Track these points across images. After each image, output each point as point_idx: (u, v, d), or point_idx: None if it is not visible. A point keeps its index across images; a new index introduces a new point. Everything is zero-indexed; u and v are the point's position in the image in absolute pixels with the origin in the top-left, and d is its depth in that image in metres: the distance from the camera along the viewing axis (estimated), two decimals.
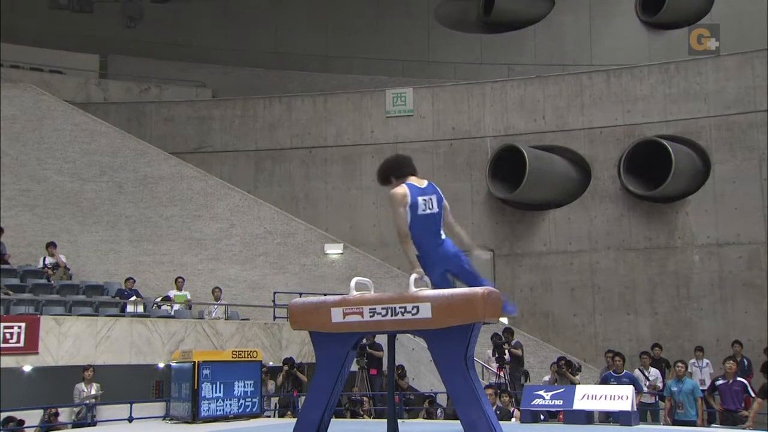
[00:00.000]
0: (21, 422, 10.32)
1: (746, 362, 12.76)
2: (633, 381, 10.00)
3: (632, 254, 17.38)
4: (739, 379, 10.31)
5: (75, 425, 10.93)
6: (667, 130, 17.28)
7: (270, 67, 22.90)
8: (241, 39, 23.29)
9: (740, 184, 16.71)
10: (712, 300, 16.70)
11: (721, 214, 16.84)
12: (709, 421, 10.52)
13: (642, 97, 17.79)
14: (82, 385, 11.33)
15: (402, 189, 5.26)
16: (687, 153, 17.03)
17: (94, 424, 10.89)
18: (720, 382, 10.36)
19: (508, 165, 17.45)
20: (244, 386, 9.55)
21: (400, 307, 5.65)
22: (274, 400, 12.56)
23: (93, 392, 11.35)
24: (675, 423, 9.90)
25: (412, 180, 5.34)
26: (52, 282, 14.06)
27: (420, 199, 5.26)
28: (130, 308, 13.71)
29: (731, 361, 10.65)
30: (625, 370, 10.54)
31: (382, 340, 12.38)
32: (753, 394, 9.93)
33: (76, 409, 11.29)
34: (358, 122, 19.36)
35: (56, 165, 17.66)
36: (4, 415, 10.19)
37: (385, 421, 6.19)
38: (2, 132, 17.20)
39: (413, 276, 5.88)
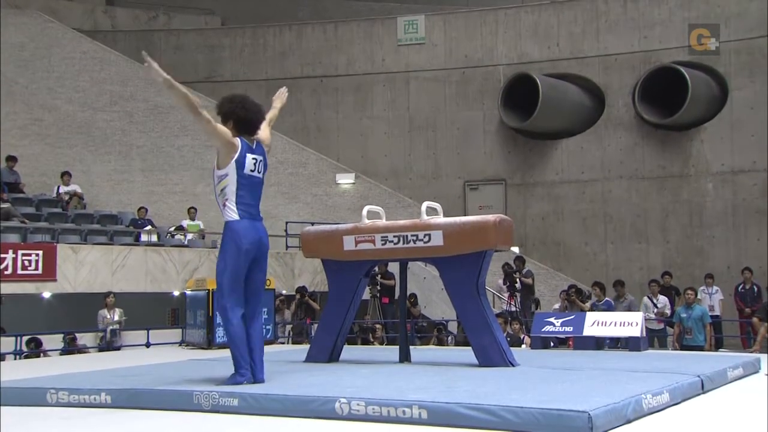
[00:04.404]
0: (39, 343, 10.59)
1: (756, 288, 12.83)
2: (609, 308, 10.31)
3: (645, 183, 17.29)
4: None
5: (101, 349, 11.20)
6: (685, 56, 16.92)
7: None
8: None
9: (758, 111, 16.40)
10: (724, 228, 16.66)
11: (737, 141, 16.62)
12: (716, 347, 10.63)
13: (660, 22, 17.37)
14: (104, 311, 11.53)
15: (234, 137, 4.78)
16: (704, 79, 16.71)
17: (119, 348, 11.15)
18: None
19: (521, 93, 17.21)
20: None
21: (411, 235, 5.70)
22: (288, 327, 12.77)
23: (116, 318, 11.55)
24: (683, 348, 10.02)
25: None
26: (68, 211, 14.19)
27: (249, 157, 4.80)
28: (144, 237, 13.86)
29: None
30: (605, 298, 10.82)
31: (394, 269, 12.47)
32: None
33: (100, 334, 11.54)
34: (369, 50, 19.07)
35: (67, 94, 17.58)
36: (27, 337, 10.46)
37: (397, 347, 6.30)
38: (11, 60, 17.08)
39: (425, 204, 5.89)
